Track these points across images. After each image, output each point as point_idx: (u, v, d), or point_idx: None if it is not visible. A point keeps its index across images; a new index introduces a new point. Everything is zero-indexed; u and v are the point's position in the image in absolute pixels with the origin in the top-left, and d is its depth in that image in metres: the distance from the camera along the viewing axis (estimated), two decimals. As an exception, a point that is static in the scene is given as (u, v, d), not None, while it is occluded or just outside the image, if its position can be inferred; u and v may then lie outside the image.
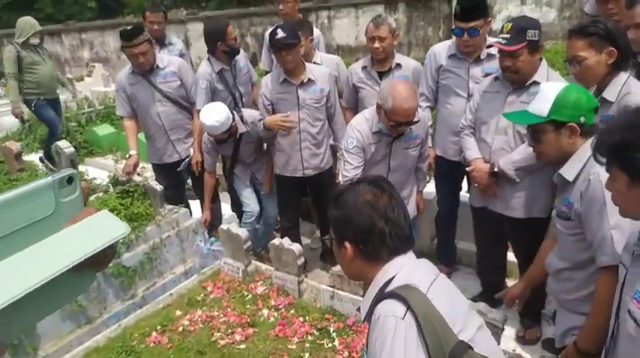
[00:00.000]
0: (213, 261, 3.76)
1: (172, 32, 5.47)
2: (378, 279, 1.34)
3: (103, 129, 7.31)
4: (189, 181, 4.50)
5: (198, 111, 3.88)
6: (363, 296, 2.98)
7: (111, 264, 3.33)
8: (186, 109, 3.97)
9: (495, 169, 2.70)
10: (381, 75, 3.45)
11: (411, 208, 3.12)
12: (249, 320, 3.03)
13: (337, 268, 3.23)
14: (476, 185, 2.86)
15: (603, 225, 1.76)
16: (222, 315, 3.12)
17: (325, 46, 4.55)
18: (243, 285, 3.39)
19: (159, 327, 3.09)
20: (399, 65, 3.43)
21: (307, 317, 3.01)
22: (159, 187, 3.81)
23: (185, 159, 4.01)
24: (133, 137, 4.00)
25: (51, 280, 0.53)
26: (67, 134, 7.12)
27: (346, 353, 2.74)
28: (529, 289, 2.27)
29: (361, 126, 2.88)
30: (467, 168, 2.90)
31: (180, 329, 3.06)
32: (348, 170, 2.90)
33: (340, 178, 3.03)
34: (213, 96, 3.88)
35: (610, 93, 2.25)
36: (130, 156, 3.98)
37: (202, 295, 3.35)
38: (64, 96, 8.47)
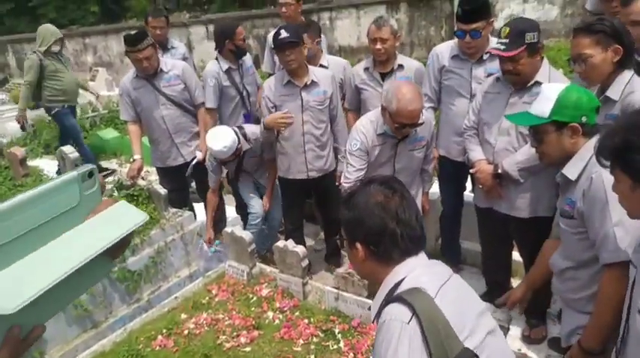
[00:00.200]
0: (218, 263, 3.77)
1: (175, 36, 5.50)
2: (388, 281, 1.34)
3: (107, 134, 7.34)
4: (194, 184, 4.52)
5: (208, 108, 3.96)
6: (367, 297, 2.99)
7: (116, 269, 3.35)
8: (190, 112, 3.99)
9: (499, 171, 2.70)
10: (384, 76, 3.45)
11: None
12: (254, 322, 3.04)
13: (342, 270, 3.23)
14: (480, 186, 2.86)
15: (606, 222, 1.76)
16: (227, 318, 3.12)
17: (327, 47, 4.55)
18: (247, 288, 3.39)
19: (164, 331, 3.10)
20: (401, 66, 3.43)
21: (312, 319, 3.01)
22: (163, 191, 3.82)
23: (191, 161, 4.01)
24: (137, 141, 4.01)
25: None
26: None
27: (351, 355, 2.74)
28: (531, 291, 2.26)
29: (366, 128, 2.88)
30: (471, 170, 2.90)
31: (186, 332, 3.06)
32: (351, 172, 2.91)
33: (342, 180, 3.03)
34: (221, 94, 3.94)
35: (614, 91, 2.24)
36: (134, 160, 4.00)
37: (207, 298, 3.36)
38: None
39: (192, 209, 4.26)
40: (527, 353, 2.83)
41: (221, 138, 3.43)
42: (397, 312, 1.22)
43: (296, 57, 3.25)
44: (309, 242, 4.26)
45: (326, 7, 11.12)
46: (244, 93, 4.03)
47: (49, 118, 6.52)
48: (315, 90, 3.39)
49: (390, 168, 2.96)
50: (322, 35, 3.97)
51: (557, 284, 2.10)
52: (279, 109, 3.40)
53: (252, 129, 3.66)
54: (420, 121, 2.74)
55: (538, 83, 2.52)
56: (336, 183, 3.54)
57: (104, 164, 6.70)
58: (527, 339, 2.96)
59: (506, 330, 2.41)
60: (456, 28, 3.06)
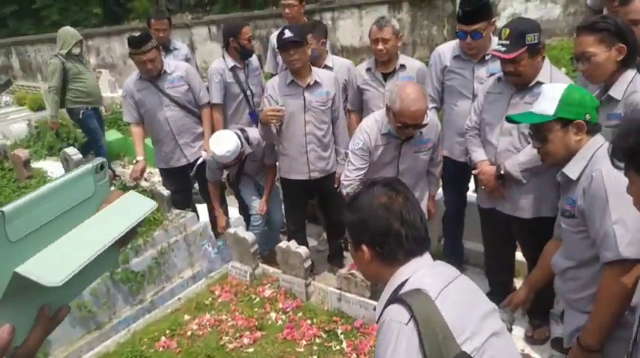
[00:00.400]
0: (221, 264, 3.78)
1: (177, 37, 5.52)
2: (392, 281, 1.35)
3: (110, 135, 7.35)
4: (197, 185, 4.53)
5: (214, 104, 3.99)
6: (370, 298, 2.99)
7: (119, 270, 3.36)
8: (193, 113, 4.00)
9: (502, 171, 2.69)
10: (386, 76, 3.45)
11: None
12: (257, 323, 3.04)
13: (344, 270, 3.23)
14: (483, 188, 2.86)
15: (606, 221, 1.76)
16: (230, 319, 3.13)
17: (330, 47, 4.56)
18: (250, 289, 3.40)
19: (167, 332, 3.11)
20: (403, 66, 3.43)
21: (315, 320, 3.02)
22: (166, 192, 3.83)
23: (194, 162, 4.02)
24: (140, 143, 4.03)
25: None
26: (74, 140, 7.17)
27: (354, 356, 2.75)
28: (533, 292, 2.26)
29: (370, 127, 2.88)
30: (473, 171, 2.89)
31: (189, 333, 3.07)
32: (350, 171, 2.91)
33: (342, 178, 3.03)
34: (225, 91, 3.97)
35: (617, 90, 2.24)
36: (136, 161, 4.01)
37: (210, 299, 3.37)
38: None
39: (195, 210, 4.27)
40: (531, 353, 2.82)
41: (224, 143, 3.44)
42: (396, 313, 1.23)
43: (300, 56, 3.25)
44: (312, 243, 4.26)
45: (328, 8, 11.12)
46: (248, 92, 4.05)
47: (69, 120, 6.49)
48: (318, 90, 3.39)
49: (394, 169, 2.95)
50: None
51: (559, 285, 2.10)
52: (283, 117, 3.40)
53: (255, 133, 3.66)
54: (424, 122, 2.73)
55: (539, 83, 2.51)
56: (335, 186, 3.54)
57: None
58: (530, 340, 2.96)
59: (509, 331, 2.40)
60: (457, 29, 3.05)
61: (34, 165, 6.25)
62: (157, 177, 4.44)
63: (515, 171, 2.64)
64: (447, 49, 3.20)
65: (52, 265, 0.61)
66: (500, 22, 9.15)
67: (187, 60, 4.65)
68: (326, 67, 3.75)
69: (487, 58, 3.01)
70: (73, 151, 4.79)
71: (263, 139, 3.58)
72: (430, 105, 3.22)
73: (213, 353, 2.89)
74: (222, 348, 2.92)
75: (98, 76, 10.77)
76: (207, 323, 3.14)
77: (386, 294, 1.35)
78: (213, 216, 4.12)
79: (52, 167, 6.32)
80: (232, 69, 3.97)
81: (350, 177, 2.91)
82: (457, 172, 3.34)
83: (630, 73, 2.22)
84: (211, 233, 4.06)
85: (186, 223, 3.87)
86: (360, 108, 3.65)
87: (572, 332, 2.00)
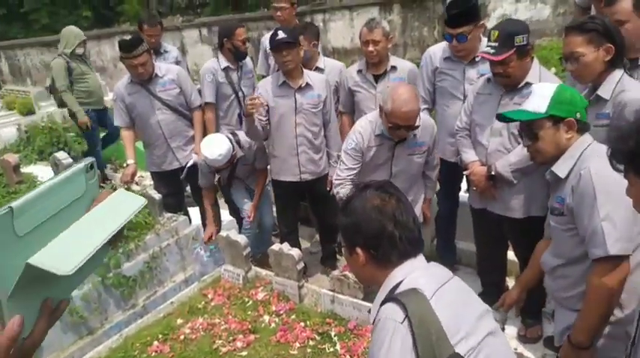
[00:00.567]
0: (214, 268, 3.76)
1: (168, 39, 5.49)
2: (387, 283, 1.36)
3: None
4: (189, 189, 4.51)
5: (206, 103, 3.99)
6: (363, 299, 2.99)
7: (111, 274, 3.34)
8: (185, 117, 3.99)
9: (492, 172, 2.70)
10: (377, 78, 3.46)
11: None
12: (250, 326, 3.03)
13: (337, 272, 3.23)
14: (474, 188, 2.87)
15: (594, 217, 1.78)
16: (223, 322, 3.11)
17: (321, 48, 4.57)
18: (243, 292, 3.39)
19: (160, 336, 3.08)
20: (394, 67, 3.44)
21: (308, 322, 3.01)
22: (157, 196, 3.81)
23: (185, 166, 4.00)
24: (130, 146, 4.01)
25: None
26: (64, 145, 7.13)
27: (348, 357, 2.74)
28: (525, 291, 2.27)
29: (364, 128, 2.88)
30: (464, 172, 2.91)
31: (182, 337, 3.05)
32: (342, 170, 2.92)
33: (334, 177, 3.03)
34: (217, 90, 3.97)
35: (605, 90, 2.26)
36: (127, 165, 3.99)
37: (203, 303, 3.35)
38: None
39: (187, 213, 4.26)
40: (524, 352, 2.83)
41: (216, 147, 3.43)
42: (391, 312, 1.24)
43: (292, 57, 3.25)
44: (305, 244, 4.25)
45: (319, 9, 11.13)
46: (240, 94, 4.05)
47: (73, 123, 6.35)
48: (310, 93, 3.39)
49: (387, 171, 2.95)
50: None
51: (549, 283, 2.12)
52: (272, 110, 3.39)
53: (246, 137, 3.66)
54: (416, 124, 2.73)
55: (529, 84, 2.53)
56: (327, 188, 3.53)
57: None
58: (523, 338, 2.98)
59: (501, 330, 2.41)
60: (444, 32, 3.07)
61: (24, 169, 6.20)
62: (148, 181, 4.42)
63: (506, 172, 2.65)
64: (438, 51, 3.22)
65: (61, 256, 0.65)
66: (491, 22, 9.21)
67: (178, 62, 4.65)
68: (317, 68, 3.76)
69: (477, 59, 3.03)
70: (63, 156, 4.76)
71: (248, 136, 3.55)
72: (422, 106, 3.24)
73: (207, 357, 2.87)
74: (215, 352, 2.90)
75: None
76: (200, 326, 3.12)
77: (381, 295, 1.36)
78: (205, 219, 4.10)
79: (42, 172, 6.27)
80: (225, 69, 3.98)
81: (341, 176, 2.92)
82: (449, 173, 3.35)
83: (618, 73, 2.25)
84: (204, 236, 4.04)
85: (178, 227, 3.85)
86: (351, 110, 3.66)
87: (563, 331, 2.02)
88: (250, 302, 3.29)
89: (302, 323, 3.01)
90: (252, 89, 4.11)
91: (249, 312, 3.19)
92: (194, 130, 3.99)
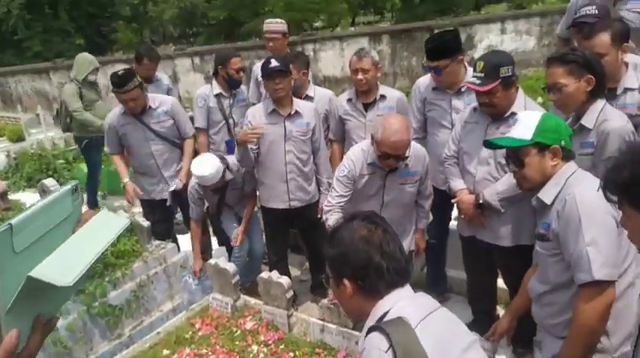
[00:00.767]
0: (202, 296, 3.71)
1: (160, 68, 5.52)
2: (374, 313, 1.36)
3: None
4: (178, 216, 4.48)
5: (197, 128, 4.05)
6: (352, 328, 2.96)
7: (96, 303, 3.28)
8: (178, 146, 4.01)
9: (480, 201, 2.73)
10: (366, 106, 3.50)
11: (406, 245, 3.09)
12: (238, 357, 2.97)
13: (327, 300, 3.20)
14: (462, 216, 2.88)
15: (579, 242, 1.79)
16: (210, 353, 3.05)
17: (312, 77, 4.64)
18: (232, 321, 3.33)
19: (146, 367, 3.02)
20: (383, 96, 3.49)
21: (297, 352, 2.96)
22: (146, 223, 3.78)
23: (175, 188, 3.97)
24: (123, 167, 4.00)
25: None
26: (54, 171, 7.09)
27: (338, 388, 2.69)
28: (516, 320, 2.26)
29: (356, 156, 2.90)
30: (452, 200, 2.93)
31: (168, 368, 2.99)
32: (333, 196, 2.92)
33: (325, 204, 3.03)
34: (208, 115, 4.03)
35: (588, 120, 2.31)
36: (124, 185, 3.96)
37: (190, 333, 3.29)
38: (51, 133, 8.43)
39: (175, 241, 4.22)
40: (515, 382, 2.80)
41: (207, 165, 3.44)
42: (376, 341, 1.24)
43: (284, 86, 3.30)
44: (295, 272, 4.22)
45: (310, 39, 11.34)
46: (231, 121, 4.08)
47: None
48: (299, 120, 3.42)
49: (379, 201, 2.95)
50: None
51: (536, 310, 2.12)
52: (262, 137, 3.41)
53: (234, 160, 3.67)
54: (406, 155, 2.75)
55: (514, 114, 2.57)
56: (318, 216, 3.53)
57: (86, 196, 6.63)
58: (514, 368, 2.94)
59: (492, 360, 2.39)
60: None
61: (13, 196, 6.15)
62: (137, 208, 4.38)
63: (494, 201, 2.67)
64: (425, 81, 3.29)
65: (59, 270, 0.70)
66: (477, 53, 9.41)
67: (169, 90, 4.71)
68: (307, 96, 3.80)
69: (463, 89, 3.09)
70: (51, 183, 4.74)
71: (240, 164, 3.56)
72: (414, 136, 3.28)
73: (193, 389, 2.81)
74: (202, 383, 2.84)
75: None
76: (187, 357, 3.05)
77: (368, 325, 1.36)
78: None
79: (30, 199, 6.22)
80: (217, 96, 4.04)
81: (331, 203, 2.92)
82: (440, 201, 3.36)
83: (600, 103, 2.30)
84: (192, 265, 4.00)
85: (166, 254, 3.82)
86: (342, 137, 3.69)
87: (551, 359, 2.00)
88: (239, 331, 3.23)
89: (291, 354, 2.96)
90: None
91: (238, 342, 3.13)
92: (183, 158, 3.99)
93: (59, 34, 19.07)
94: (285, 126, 3.40)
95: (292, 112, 3.40)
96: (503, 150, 2.22)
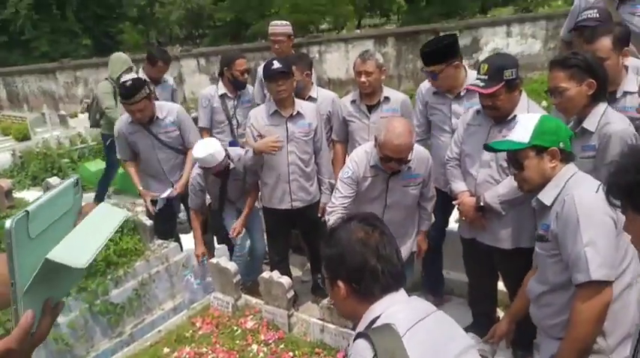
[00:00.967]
0: (203, 295, 3.72)
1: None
2: (366, 317, 1.34)
3: (95, 165, 7.32)
4: (181, 215, 4.51)
5: (201, 128, 4.11)
6: (352, 329, 2.96)
7: (98, 301, 3.30)
8: (183, 153, 4.05)
9: (481, 203, 2.73)
10: (370, 108, 3.50)
11: (408, 247, 3.10)
12: (238, 356, 2.98)
13: (327, 301, 3.20)
14: (463, 218, 2.88)
15: (577, 243, 1.80)
16: (210, 352, 3.06)
17: (317, 79, 4.65)
18: (232, 320, 3.34)
19: (146, 365, 3.03)
20: (387, 98, 3.49)
21: (297, 352, 2.97)
22: (148, 222, 3.80)
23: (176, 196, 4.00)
24: (137, 177, 4.06)
25: None
26: (58, 170, 7.13)
27: (337, 389, 2.69)
28: (515, 322, 2.26)
29: (359, 158, 2.91)
30: (453, 202, 2.93)
31: (168, 366, 3.00)
32: (337, 198, 2.92)
33: (328, 205, 3.04)
34: (211, 115, 4.10)
35: (590, 123, 2.31)
36: (140, 193, 4.04)
37: (191, 331, 3.30)
38: (56, 132, 8.48)
39: (178, 240, 4.24)
40: (515, 385, 2.79)
41: (209, 147, 3.47)
42: (360, 348, 1.22)
43: (287, 87, 3.32)
44: (296, 273, 4.23)
45: (315, 41, 11.36)
46: (234, 121, 4.10)
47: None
48: (301, 121, 3.43)
49: (382, 203, 2.95)
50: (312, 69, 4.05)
51: (534, 311, 2.12)
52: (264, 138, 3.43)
53: (235, 150, 3.71)
54: (408, 159, 2.75)
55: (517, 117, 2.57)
56: (319, 215, 3.54)
57: (91, 195, 6.66)
58: (514, 371, 2.93)
59: (492, 362, 2.39)
60: None
61: (17, 195, 6.20)
62: (140, 208, 4.41)
63: (495, 203, 2.67)
64: (427, 85, 3.29)
65: (73, 253, 0.76)
66: (483, 56, 9.40)
67: (173, 91, 4.78)
68: (310, 98, 3.81)
69: (462, 94, 3.09)
70: (55, 181, 4.76)
71: (250, 167, 3.59)
72: (417, 138, 3.28)
73: (193, 388, 2.82)
74: (202, 382, 2.85)
75: (85, 105, 10.78)
76: (187, 356, 3.06)
77: (359, 329, 1.34)
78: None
79: (35, 197, 6.25)
80: (222, 96, 4.08)
81: (335, 204, 2.92)
82: (442, 202, 3.35)
83: (602, 106, 2.30)
84: (194, 263, 4.01)
85: (168, 253, 3.83)
86: (345, 138, 3.70)
87: (549, 360, 2.00)
88: (239, 330, 3.24)
89: (291, 353, 2.96)
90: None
91: (238, 341, 3.14)
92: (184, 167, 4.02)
93: (66, 34, 19.19)
94: (287, 128, 3.41)
95: (294, 113, 3.41)
96: (505, 153, 2.22)
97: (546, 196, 1.98)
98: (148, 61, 4.65)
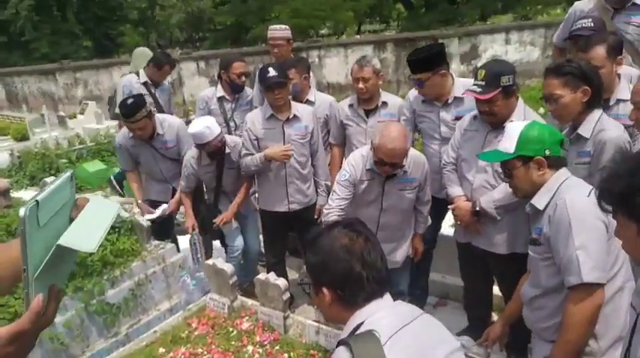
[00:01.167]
0: (199, 296, 3.73)
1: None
2: (350, 323, 1.33)
3: (93, 166, 7.34)
4: (179, 217, 4.52)
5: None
6: (348, 331, 2.97)
7: (94, 301, 3.31)
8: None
9: (477, 208, 2.75)
10: (368, 113, 3.53)
11: (404, 251, 3.12)
12: (233, 357, 2.99)
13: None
14: (459, 222, 2.90)
15: (569, 246, 1.82)
16: (206, 352, 3.07)
17: (316, 83, 4.68)
18: (228, 321, 3.35)
19: (141, 366, 3.03)
20: (385, 103, 3.51)
21: (292, 354, 2.97)
22: (145, 223, 3.81)
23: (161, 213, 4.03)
24: (138, 188, 4.12)
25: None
26: (56, 171, 7.13)
27: (331, 391, 2.70)
28: (508, 326, 2.28)
29: (356, 161, 2.93)
30: (449, 206, 2.95)
31: (163, 367, 3.00)
32: (333, 199, 2.94)
33: (325, 207, 3.06)
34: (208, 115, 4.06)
35: (585, 129, 2.33)
36: (139, 204, 4.08)
37: (187, 332, 3.31)
38: (55, 133, 8.47)
39: (175, 241, 4.25)
40: (508, 389, 2.80)
41: (205, 121, 3.50)
42: (339, 356, 1.22)
43: (283, 95, 3.36)
44: (293, 275, 4.23)
45: (315, 46, 11.41)
46: (231, 124, 4.12)
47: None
48: (297, 124, 3.46)
49: (378, 206, 2.97)
50: (311, 72, 4.07)
51: (527, 314, 2.14)
52: (261, 142, 3.46)
53: (232, 138, 3.73)
54: (402, 163, 2.78)
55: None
56: (315, 217, 3.56)
57: (89, 196, 6.66)
58: (508, 375, 2.94)
59: (485, 366, 2.40)
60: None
61: (15, 194, 6.19)
62: (137, 209, 4.42)
63: (490, 208, 2.69)
64: (415, 93, 3.30)
65: (81, 239, 0.82)
66: (481, 63, 9.43)
67: (170, 94, 4.84)
68: (308, 101, 3.84)
69: (450, 101, 3.12)
70: (52, 180, 4.77)
71: (247, 171, 3.61)
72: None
73: (188, 388, 2.82)
74: (196, 383, 2.85)
75: (85, 107, 10.80)
76: (183, 356, 3.07)
77: (342, 336, 1.33)
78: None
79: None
80: (220, 99, 4.10)
81: (332, 206, 2.94)
82: (434, 208, 3.37)
83: (597, 113, 2.33)
84: (191, 264, 4.02)
85: (165, 254, 3.84)
86: (342, 142, 3.72)
87: (541, 363, 2.02)
88: (235, 332, 3.25)
89: (286, 355, 2.97)
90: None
91: (233, 342, 3.14)
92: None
93: (67, 36, 19.21)
94: (283, 131, 3.44)
95: (290, 116, 3.44)
96: None
97: (539, 201, 2.00)
98: (155, 65, 4.68)
